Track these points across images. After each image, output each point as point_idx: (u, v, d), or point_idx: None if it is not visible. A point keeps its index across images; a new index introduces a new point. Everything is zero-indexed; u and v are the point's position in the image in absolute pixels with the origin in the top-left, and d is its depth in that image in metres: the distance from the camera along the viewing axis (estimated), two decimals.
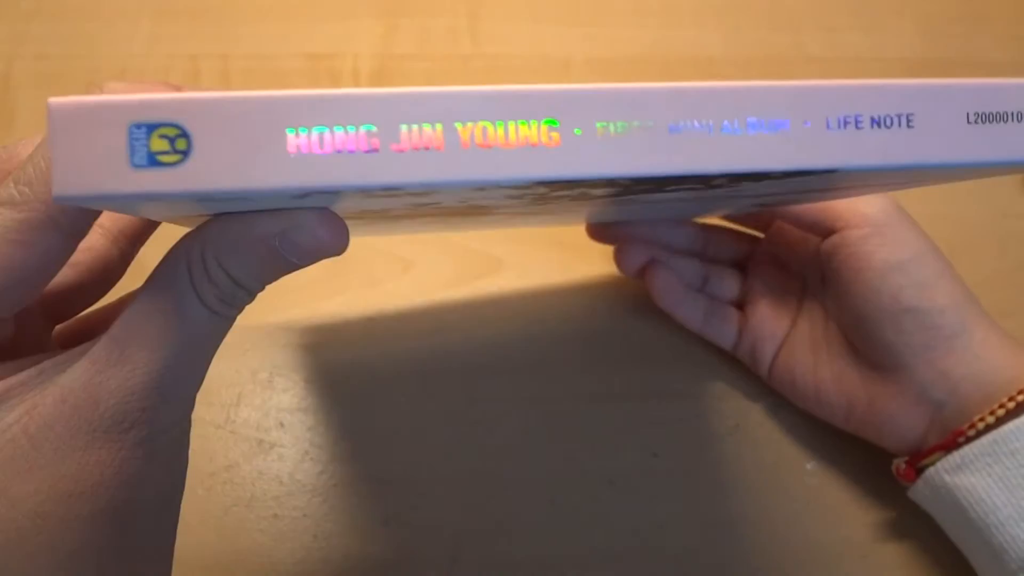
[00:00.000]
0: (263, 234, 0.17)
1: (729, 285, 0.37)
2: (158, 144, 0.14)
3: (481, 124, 0.15)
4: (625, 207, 0.27)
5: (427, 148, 0.15)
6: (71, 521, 0.18)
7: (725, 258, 0.38)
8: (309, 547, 0.34)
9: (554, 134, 0.15)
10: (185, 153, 0.14)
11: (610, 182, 0.17)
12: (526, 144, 0.15)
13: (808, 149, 0.16)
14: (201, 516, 0.34)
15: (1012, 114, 0.17)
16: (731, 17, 0.47)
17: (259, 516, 0.35)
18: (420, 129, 0.14)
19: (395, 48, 0.45)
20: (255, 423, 0.37)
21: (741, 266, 0.38)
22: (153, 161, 0.14)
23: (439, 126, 0.15)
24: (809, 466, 0.36)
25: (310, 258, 0.18)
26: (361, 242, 0.40)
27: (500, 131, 0.15)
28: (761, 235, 0.38)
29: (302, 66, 0.44)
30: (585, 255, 0.41)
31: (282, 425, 0.37)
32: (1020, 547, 0.29)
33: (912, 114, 0.17)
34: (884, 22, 0.48)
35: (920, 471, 0.32)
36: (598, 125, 0.15)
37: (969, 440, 0.30)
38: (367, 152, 0.14)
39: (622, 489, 0.36)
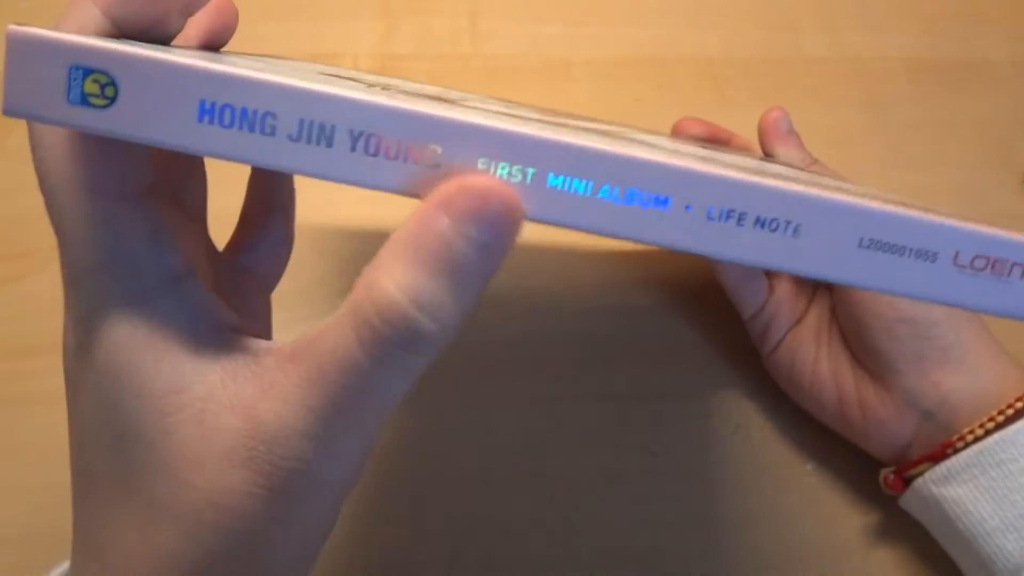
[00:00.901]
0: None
1: None
2: (90, 87, 0.15)
3: (371, 131, 0.16)
4: None
5: (317, 144, 0.16)
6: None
7: None
8: None
9: (433, 156, 0.16)
10: (112, 99, 0.15)
11: None
12: (408, 164, 0.16)
13: (683, 232, 0.16)
14: None
15: (909, 250, 0.17)
16: (731, 17, 0.47)
17: None
18: (312, 125, 0.16)
19: (395, 48, 0.45)
20: None
21: None
22: (84, 100, 0.16)
23: (331, 131, 0.16)
24: (809, 466, 0.36)
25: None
26: (362, 243, 0.40)
27: (389, 140, 0.16)
28: None
29: None
30: (585, 255, 0.41)
31: None
32: (1007, 557, 0.29)
33: (799, 225, 0.16)
34: (884, 22, 0.48)
35: (908, 481, 0.32)
36: (480, 161, 0.16)
37: (957, 451, 0.30)
38: (263, 135, 0.16)
39: (622, 489, 0.36)
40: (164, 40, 0.20)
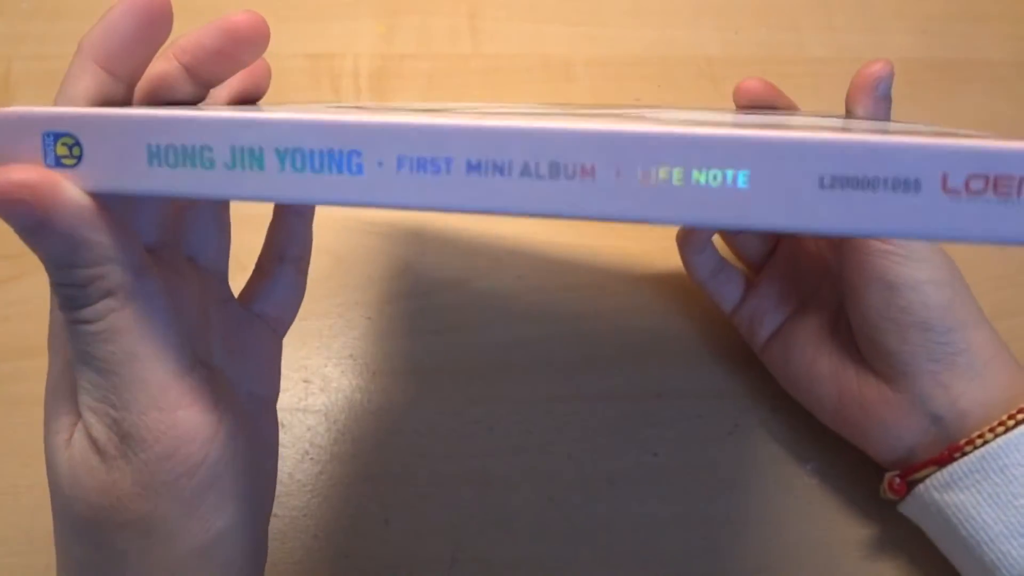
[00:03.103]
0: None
1: (757, 245, 0.37)
2: (61, 150, 0.17)
3: (296, 152, 0.16)
4: None
5: (250, 168, 0.17)
6: None
7: None
8: (309, 547, 0.34)
9: (356, 163, 0.16)
10: (79, 158, 0.17)
11: None
12: (334, 175, 0.16)
13: (614, 200, 0.15)
14: None
15: (883, 181, 0.14)
16: (731, 17, 0.47)
17: None
18: (243, 151, 0.16)
19: (395, 48, 0.45)
20: None
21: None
22: (58, 163, 0.17)
23: (261, 153, 0.16)
24: (809, 466, 0.36)
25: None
26: (358, 242, 0.40)
27: (311, 162, 0.16)
28: None
29: (302, 66, 0.44)
30: (585, 256, 0.41)
31: (282, 425, 0.37)
32: (1011, 563, 0.29)
33: (744, 173, 0.15)
34: (884, 22, 0.48)
35: (911, 485, 0.32)
36: (396, 158, 0.16)
37: (965, 455, 0.30)
38: (204, 168, 0.17)
39: (622, 489, 0.36)
40: (189, 103, 0.21)
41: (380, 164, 0.16)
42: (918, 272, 0.30)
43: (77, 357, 0.20)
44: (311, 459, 0.36)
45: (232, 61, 0.21)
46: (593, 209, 0.15)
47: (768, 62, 0.46)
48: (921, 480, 0.31)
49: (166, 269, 0.22)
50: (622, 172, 0.15)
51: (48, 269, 0.19)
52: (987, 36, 0.47)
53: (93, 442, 0.20)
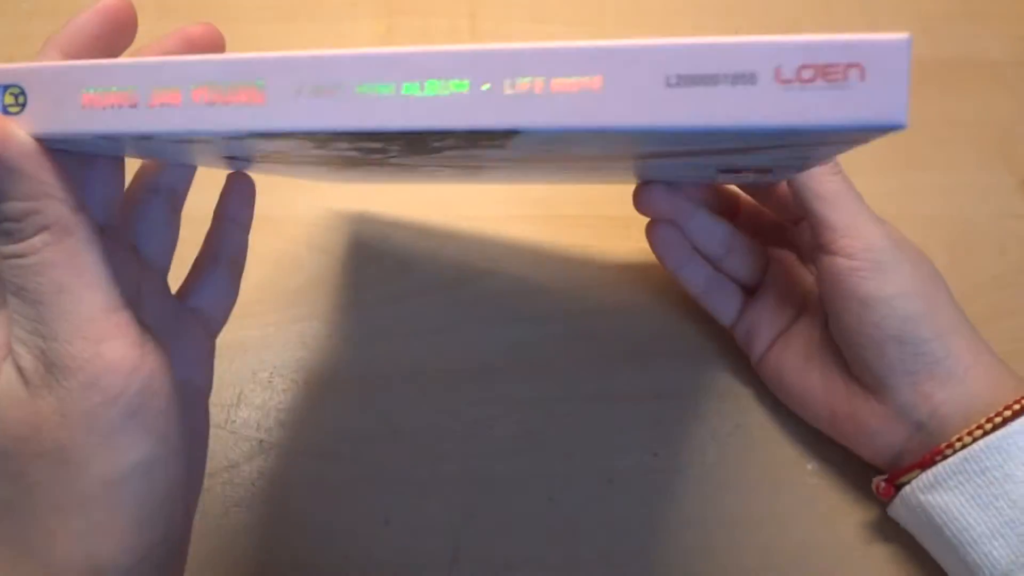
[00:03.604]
0: None
1: (749, 263, 0.37)
2: (8, 99, 0.20)
3: (206, 85, 0.18)
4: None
5: (167, 104, 0.18)
6: None
7: (761, 237, 0.37)
8: (309, 547, 0.34)
9: (260, 94, 0.18)
10: (23, 105, 0.19)
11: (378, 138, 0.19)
12: (240, 102, 0.18)
13: (484, 111, 0.16)
14: (201, 516, 0.34)
15: (724, 77, 0.16)
16: (731, 17, 0.47)
17: (259, 516, 0.35)
18: (164, 91, 0.18)
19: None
20: (255, 423, 0.37)
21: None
22: (5, 110, 0.20)
23: (177, 88, 0.18)
24: (809, 466, 0.36)
25: None
26: (357, 241, 0.40)
27: (220, 91, 0.18)
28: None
29: None
30: (584, 256, 0.41)
31: (282, 425, 0.37)
32: (994, 564, 0.29)
33: (599, 77, 0.16)
34: (884, 21, 0.48)
35: (899, 488, 0.32)
36: (293, 87, 0.18)
37: (945, 458, 0.30)
38: (129, 107, 0.19)
39: (622, 489, 0.36)
40: None
41: (280, 92, 0.18)
42: (887, 286, 0.30)
43: (9, 290, 0.21)
44: (311, 459, 0.36)
45: (109, 48, 0.23)
46: (467, 120, 0.17)
47: None
48: (907, 483, 0.32)
49: (107, 241, 0.23)
50: (490, 84, 0.17)
51: None
52: (987, 36, 0.47)
53: (20, 372, 0.21)
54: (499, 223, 0.41)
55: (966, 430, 0.30)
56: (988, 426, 0.30)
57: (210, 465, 0.35)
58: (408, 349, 0.38)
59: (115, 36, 0.22)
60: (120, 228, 0.26)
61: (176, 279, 0.29)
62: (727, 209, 0.37)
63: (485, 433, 0.37)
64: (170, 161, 0.27)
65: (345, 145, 0.20)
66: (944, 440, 0.31)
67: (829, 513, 0.35)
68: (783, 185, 0.35)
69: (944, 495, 0.30)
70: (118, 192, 0.25)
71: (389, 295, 0.39)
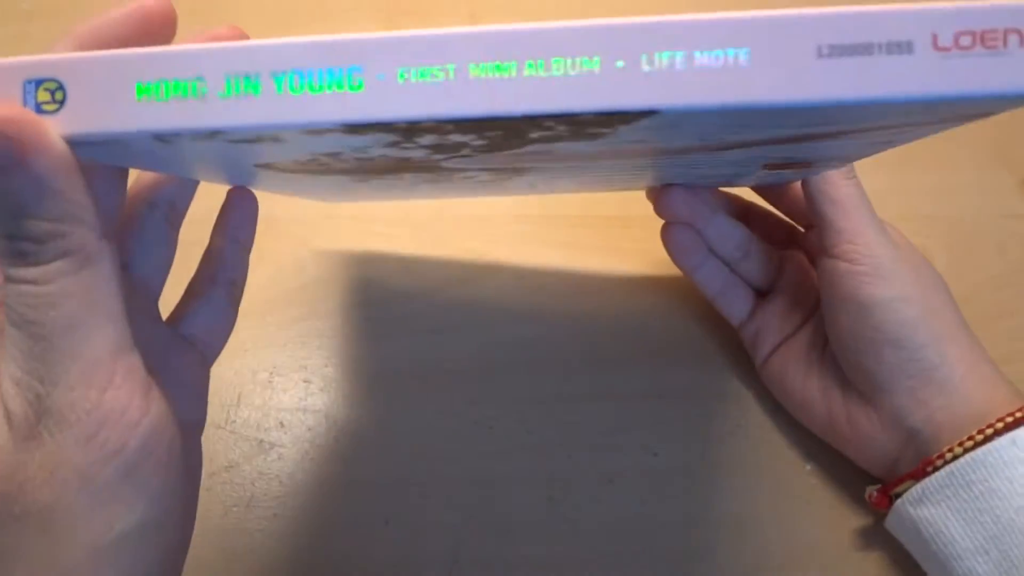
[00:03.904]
0: None
1: (764, 267, 0.36)
2: (43, 95, 0.17)
3: (293, 73, 0.16)
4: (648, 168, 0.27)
5: (245, 96, 0.16)
6: None
7: (777, 240, 0.37)
8: (309, 547, 0.34)
9: (359, 79, 0.16)
10: (62, 103, 0.17)
11: (473, 132, 0.17)
12: (334, 93, 0.16)
13: (619, 90, 0.15)
14: (201, 516, 0.34)
15: (878, 46, 0.15)
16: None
17: (259, 516, 0.35)
18: (240, 80, 0.16)
19: None
20: (255, 423, 0.37)
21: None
22: (38, 109, 0.17)
23: (256, 78, 0.16)
24: (809, 466, 0.36)
25: None
26: (362, 243, 0.40)
27: (309, 81, 0.16)
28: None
29: None
30: (585, 255, 0.41)
31: (282, 425, 0.37)
32: None
33: (746, 51, 0.15)
34: None
35: (892, 499, 0.32)
36: (399, 71, 0.16)
37: (937, 470, 0.30)
38: (196, 99, 0.16)
39: (622, 489, 0.36)
40: None
41: (381, 77, 0.16)
42: (886, 290, 0.30)
43: (10, 319, 0.18)
44: (311, 459, 0.36)
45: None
46: (600, 101, 0.15)
47: None
48: (901, 495, 0.32)
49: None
50: (626, 61, 0.15)
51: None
52: None
53: (7, 416, 0.18)
54: (499, 223, 0.41)
55: (956, 442, 0.30)
56: (979, 437, 0.30)
57: (210, 465, 0.35)
58: (408, 349, 0.38)
59: (147, 42, 0.19)
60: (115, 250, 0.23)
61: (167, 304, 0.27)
62: (740, 214, 0.37)
63: (485, 433, 0.37)
64: (178, 174, 0.25)
65: (428, 140, 0.18)
66: (936, 450, 0.31)
67: (828, 513, 0.35)
68: (796, 187, 0.35)
69: (931, 509, 0.30)
70: (118, 206, 0.22)
71: (389, 295, 0.39)
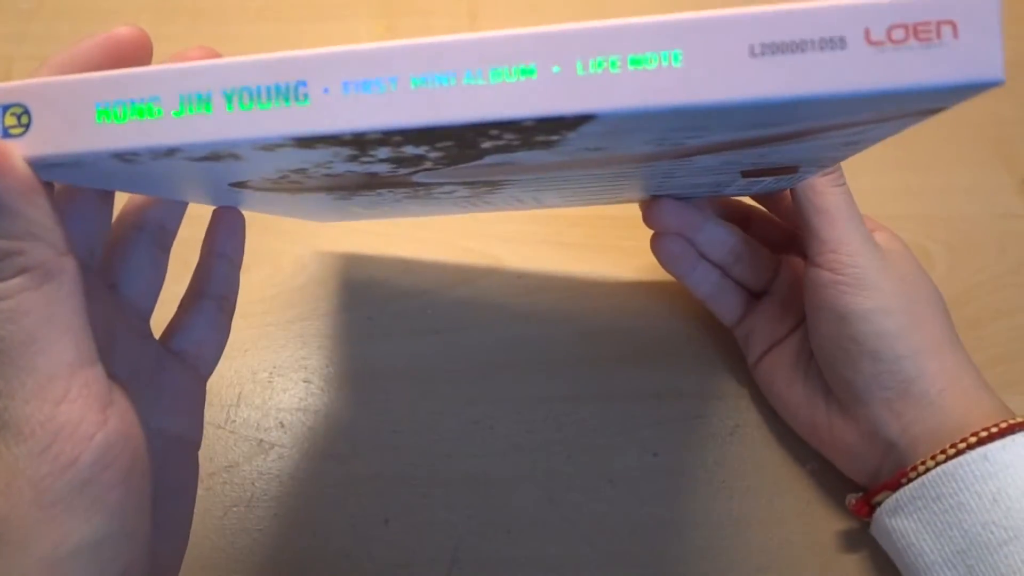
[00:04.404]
0: None
1: (757, 270, 0.36)
2: (10, 120, 0.18)
3: (243, 90, 0.17)
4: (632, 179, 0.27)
5: (198, 114, 0.17)
6: None
7: (776, 244, 0.37)
8: (309, 547, 0.34)
9: (303, 93, 0.16)
10: (27, 126, 0.18)
11: (430, 148, 0.18)
12: (281, 107, 0.17)
13: (556, 96, 0.15)
14: (201, 516, 0.34)
15: (811, 43, 0.15)
16: None
17: (259, 516, 0.35)
18: (193, 98, 0.17)
19: None
20: (255, 423, 0.37)
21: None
22: (6, 133, 0.18)
23: (208, 97, 0.17)
24: (808, 467, 0.36)
25: None
26: (361, 243, 0.40)
27: (258, 98, 0.17)
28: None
29: None
30: (585, 255, 0.41)
31: (282, 425, 0.37)
32: None
33: (678, 53, 0.15)
34: None
35: (873, 508, 0.32)
36: (343, 84, 0.16)
37: (910, 482, 0.30)
38: (152, 119, 0.17)
39: (622, 489, 0.36)
40: None
41: (326, 91, 0.16)
42: (865, 301, 0.30)
43: None
44: (311, 459, 0.36)
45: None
46: (538, 107, 0.16)
47: None
48: (880, 504, 0.32)
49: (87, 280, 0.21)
50: (561, 67, 0.16)
51: None
52: None
53: None
54: (499, 223, 0.41)
55: (930, 454, 0.30)
56: (951, 451, 0.30)
57: (210, 465, 0.35)
58: (408, 349, 0.38)
59: (121, 68, 0.19)
60: (100, 268, 0.24)
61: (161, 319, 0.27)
62: (739, 218, 0.37)
63: (485, 433, 0.37)
64: (162, 196, 0.25)
65: (384, 153, 0.19)
66: (911, 462, 0.31)
67: (828, 513, 0.35)
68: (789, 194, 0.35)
69: (903, 520, 0.30)
70: (102, 229, 0.23)
71: (389, 295, 0.39)
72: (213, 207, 0.28)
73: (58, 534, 0.18)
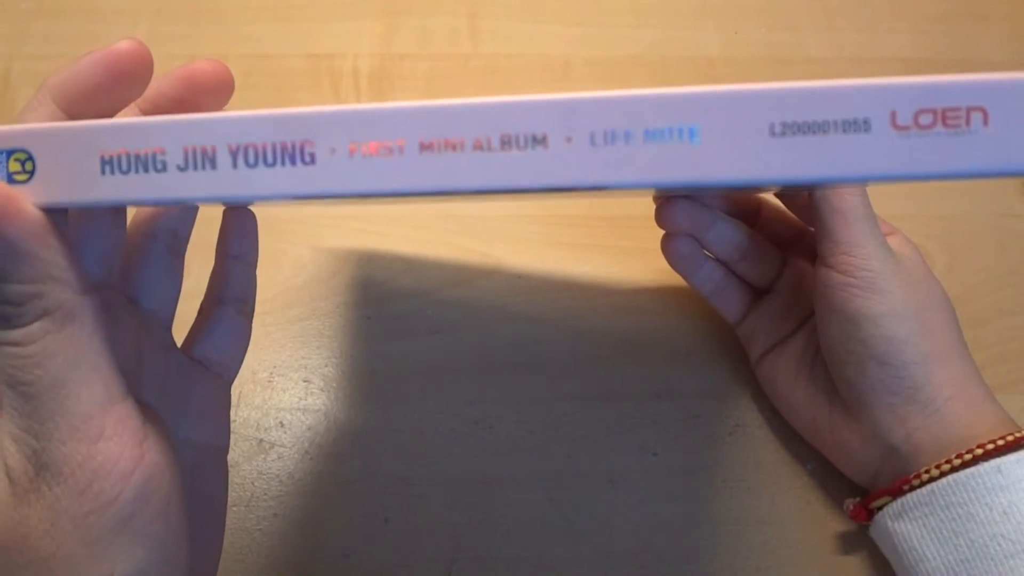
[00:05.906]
0: None
1: (762, 267, 0.36)
2: (14, 165, 0.17)
3: (249, 148, 0.16)
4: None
5: (203, 168, 0.16)
6: None
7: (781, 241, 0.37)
8: (309, 547, 0.34)
9: (311, 153, 0.16)
10: (32, 173, 0.17)
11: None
12: (287, 167, 0.16)
13: (568, 168, 0.15)
14: None
15: (833, 124, 0.14)
16: (731, 17, 0.47)
17: (259, 516, 0.35)
18: (195, 151, 0.16)
19: (395, 48, 0.45)
20: (255, 423, 0.37)
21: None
22: (10, 179, 0.17)
23: (213, 146, 0.16)
24: (809, 466, 0.36)
25: None
26: (361, 242, 0.40)
27: (264, 157, 0.16)
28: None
29: (302, 66, 0.44)
30: (584, 255, 0.41)
31: (282, 425, 0.37)
32: None
33: (695, 127, 0.14)
34: (884, 22, 0.47)
35: (872, 512, 0.33)
36: (350, 146, 0.16)
37: (913, 489, 0.30)
38: (158, 172, 0.17)
39: (622, 489, 0.36)
40: None
41: (333, 152, 0.16)
42: (878, 305, 0.30)
43: (3, 379, 0.19)
44: (311, 459, 0.36)
45: (194, 108, 0.21)
46: (548, 179, 0.15)
47: (768, 62, 0.46)
48: (880, 507, 0.32)
49: (103, 306, 0.22)
50: (573, 138, 0.15)
51: None
52: (987, 36, 0.47)
53: (7, 472, 0.19)
54: (499, 223, 0.41)
55: (935, 463, 0.30)
56: (957, 461, 0.30)
57: None
58: (408, 349, 0.38)
59: (119, 86, 0.19)
60: (118, 284, 0.24)
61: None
62: (748, 212, 0.37)
63: (485, 433, 0.37)
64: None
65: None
66: (914, 469, 0.31)
67: (828, 513, 0.35)
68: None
69: (907, 524, 0.31)
70: (118, 245, 0.23)
71: (389, 295, 0.39)
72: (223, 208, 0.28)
73: (103, 569, 0.19)
